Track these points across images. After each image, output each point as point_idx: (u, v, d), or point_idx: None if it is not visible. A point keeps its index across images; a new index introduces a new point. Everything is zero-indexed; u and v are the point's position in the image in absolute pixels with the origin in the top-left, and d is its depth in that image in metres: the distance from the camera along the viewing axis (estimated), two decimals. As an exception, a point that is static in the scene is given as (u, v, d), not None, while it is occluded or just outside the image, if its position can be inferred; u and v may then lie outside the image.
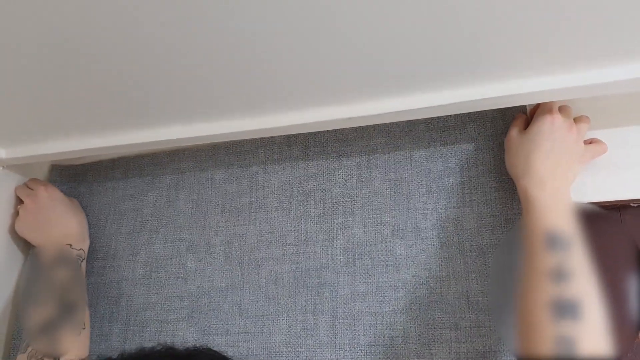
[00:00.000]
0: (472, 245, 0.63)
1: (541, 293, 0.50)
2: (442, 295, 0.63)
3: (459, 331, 0.61)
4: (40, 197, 0.77)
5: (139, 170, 0.81)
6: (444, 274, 0.63)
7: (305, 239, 0.70)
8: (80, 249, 0.75)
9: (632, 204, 0.65)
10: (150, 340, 0.72)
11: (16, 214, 0.78)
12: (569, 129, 0.59)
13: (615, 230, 0.67)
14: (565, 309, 0.48)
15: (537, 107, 0.63)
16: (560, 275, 0.50)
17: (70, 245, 0.74)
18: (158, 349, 0.49)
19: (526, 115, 0.65)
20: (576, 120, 0.62)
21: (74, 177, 0.84)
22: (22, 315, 0.76)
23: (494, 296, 0.61)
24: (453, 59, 0.50)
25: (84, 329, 0.69)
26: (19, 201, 0.79)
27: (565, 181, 0.58)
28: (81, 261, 0.75)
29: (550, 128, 0.59)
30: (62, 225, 0.76)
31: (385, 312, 0.64)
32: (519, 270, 0.53)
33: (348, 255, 0.68)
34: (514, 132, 0.62)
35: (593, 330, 0.48)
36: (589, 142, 0.65)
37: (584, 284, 0.49)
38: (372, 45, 0.48)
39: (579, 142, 0.61)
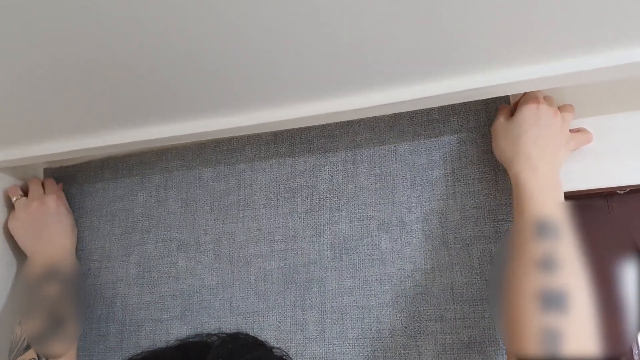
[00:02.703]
0: (456, 238, 0.64)
1: (528, 283, 0.49)
2: (427, 288, 0.63)
3: (444, 323, 0.62)
4: (49, 205, 0.77)
5: (127, 170, 0.82)
6: (428, 266, 0.64)
7: (292, 236, 0.71)
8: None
9: (618, 191, 0.64)
10: (146, 339, 0.73)
11: (12, 208, 0.78)
12: (553, 115, 0.60)
13: (602, 219, 0.66)
14: (552, 300, 0.47)
15: (521, 97, 0.63)
16: (548, 264, 0.48)
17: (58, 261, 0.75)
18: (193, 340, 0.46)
19: (510, 106, 0.65)
20: (561, 109, 0.62)
21: (65, 179, 0.85)
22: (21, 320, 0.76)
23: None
24: (435, 51, 0.50)
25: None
26: (22, 195, 0.79)
27: (554, 167, 0.58)
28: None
29: (536, 114, 0.59)
30: (57, 239, 0.76)
31: (372, 305, 0.65)
32: (508, 258, 0.52)
33: (335, 250, 0.68)
34: (501, 119, 0.62)
35: (580, 323, 0.46)
36: (576, 130, 0.65)
37: (572, 274, 0.48)
38: (354, 40, 0.48)
39: (564, 129, 0.61)
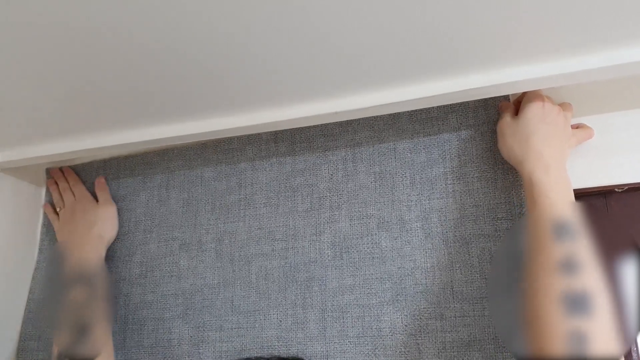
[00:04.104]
0: (455, 236, 0.64)
1: (551, 285, 0.48)
2: (427, 286, 0.64)
3: (444, 321, 0.62)
4: (76, 212, 0.79)
5: (129, 170, 0.82)
6: (428, 265, 0.64)
7: (293, 234, 0.71)
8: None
9: (617, 189, 0.64)
10: (148, 338, 0.74)
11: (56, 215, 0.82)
12: (557, 113, 0.60)
13: (601, 217, 0.66)
14: (576, 303, 0.46)
15: (522, 95, 0.64)
16: (569, 266, 0.47)
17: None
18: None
19: (510, 103, 0.65)
20: (560, 107, 0.62)
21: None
22: (50, 338, 0.76)
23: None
24: (434, 51, 0.50)
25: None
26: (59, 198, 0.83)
27: (563, 164, 0.58)
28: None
29: (542, 112, 0.59)
30: (85, 242, 0.77)
31: (373, 304, 0.65)
32: (525, 261, 0.51)
33: (335, 249, 0.69)
34: (506, 117, 0.62)
35: (603, 324, 0.45)
36: (575, 127, 0.65)
37: (592, 275, 0.47)
38: (354, 40, 0.49)
39: (567, 126, 0.61)
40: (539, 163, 0.56)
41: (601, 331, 0.45)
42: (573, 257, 0.48)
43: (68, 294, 0.68)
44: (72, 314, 0.67)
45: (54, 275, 0.74)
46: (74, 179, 0.84)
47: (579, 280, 0.47)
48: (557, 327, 0.46)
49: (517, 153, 0.59)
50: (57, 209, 0.83)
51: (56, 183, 0.84)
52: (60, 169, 0.85)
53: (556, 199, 0.54)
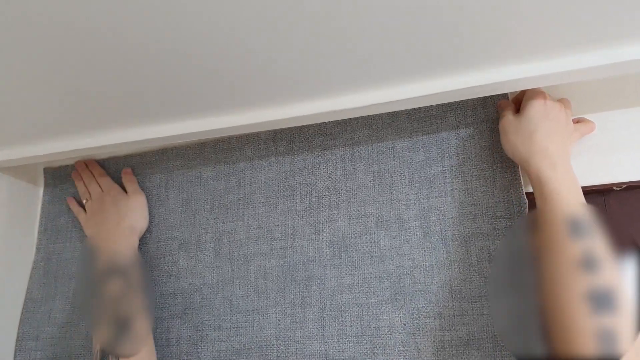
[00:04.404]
0: (454, 235, 0.64)
1: (573, 284, 0.47)
2: (425, 285, 0.64)
3: (442, 320, 0.62)
4: (106, 202, 0.77)
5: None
6: (427, 263, 0.64)
7: (292, 234, 0.71)
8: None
9: (615, 188, 0.65)
10: (147, 336, 0.74)
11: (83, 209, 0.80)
12: (559, 109, 0.60)
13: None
14: (602, 300, 0.45)
15: (521, 93, 0.64)
16: (589, 263, 0.47)
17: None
18: None
19: (509, 101, 0.65)
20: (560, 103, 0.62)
21: (65, 178, 0.85)
22: (91, 331, 0.75)
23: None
24: (433, 50, 0.50)
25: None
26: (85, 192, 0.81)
27: (568, 160, 0.58)
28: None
29: (544, 108, 0.59)
30: (117, 234, 0.75)
31: (371, 303, 0.65)
32: (540, 259, 0.50)
33: (334, 248, 0.69)
34: (508, 115, 0.62)
35: (629, 320, 0.44)
36: (576, 121, 0.65)
37: (613, 271, 0.46)
38: (353, 39, 0.49)
39: (569, 121, 0.62)
40: (545, 160, 0.56)
41: (628, 327, 0.44)
42: (592, 254, 0.47)
43: (104, 288, 0.66)
44: (110, 309, 0.65)
45: (87, 270, 0.71)
46: (99, 171, 0.82)
47: (601, 277, 0.46)
48: (584, 326, 0.45)
49: (521, 151, 0.59)
50: (84, 201, 0.81)
51: (80, 176, 0.82)
52: (84, 162, 0.83)
53: (567, 195, 0.54)
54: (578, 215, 0.50)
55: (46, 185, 0.87)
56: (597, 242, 0.47)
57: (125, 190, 0.80)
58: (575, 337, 0.45)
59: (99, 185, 0.80)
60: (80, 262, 0.80)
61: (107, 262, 0.69)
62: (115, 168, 0.83)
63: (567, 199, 0.54)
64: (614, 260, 0.47)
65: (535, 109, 0.59)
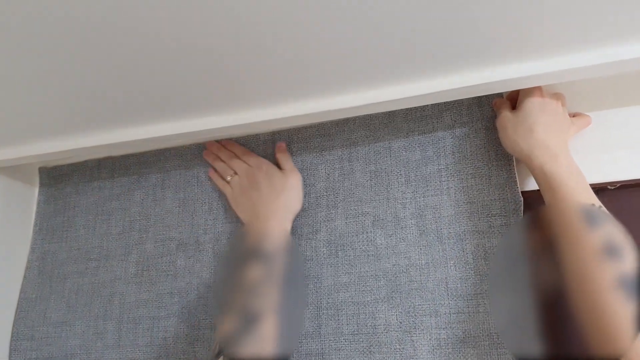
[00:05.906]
0: (450, 233, 0.64)
1: (601, 274, 0.46)
2: (421, 283, 0.64)
3: (438, 318, 0.62)
4: (258, 177, 0.70)
5: (124, 169, 0.82)
6: (423, 261, 0.64)
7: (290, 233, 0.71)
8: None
9: (609, 187, 0.65)
10: (143, 336, 0.74)
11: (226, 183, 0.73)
12: (556, 104, 0.61)
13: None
14: (632, 287, 0.44)
15: (515, 91, 0.64)
16: (612, 251, 0.46)
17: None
18: None
19: (504, 99, 0.66)
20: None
21: (61, 178, 0.85)
22: (215, 321, 0.67)
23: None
24: (429, 50, 0.51)
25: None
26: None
27: (568, 152, 0.59)
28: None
29: (541, 103, 0.60)
30: (267, 213, 0.67)
31: (368, 301, 0.65)
32: (561, 254, 0.49)
33: (331, 247, 0.69)
34: (505, 112, 0.62)
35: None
36: (572, 116, 0.66)
37: (635, 255, 0.45)
38: (350, 39, 0.49)
39: (566, 115, 0.62)
40: (547, 154, 0.57)
41: None
42: (612, 241, 0.46)
43: (245, 273, 0.58)
44: (243, 298, 0.56)
45: (233, 254, 0.64)
46: (241, 149, 0.75)
47: (625, 263, 0.45)
48: (622, 314, 0.44)
49: (522, 146, 0.59)
50: (227, 178, 0.73)
51: (216, 155, 0.76)
52: (220, 142, 0.77)
53: (575, 186, 0.54)
54: (588, 206, 0.51)
55: (41, 185, 0.87)
56: (614, 229, 0.47)
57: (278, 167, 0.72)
58: (615, 326, 0.44)
59: (245, 163, 0.73)
60: (229, 243, 0.72)
61: (253, 244, 0.62)
62: (111, 167, 0.83)
63: (576, 189, 0.54)
64: (632, 244, 0.46)
65: (532, 104, 0.60)
